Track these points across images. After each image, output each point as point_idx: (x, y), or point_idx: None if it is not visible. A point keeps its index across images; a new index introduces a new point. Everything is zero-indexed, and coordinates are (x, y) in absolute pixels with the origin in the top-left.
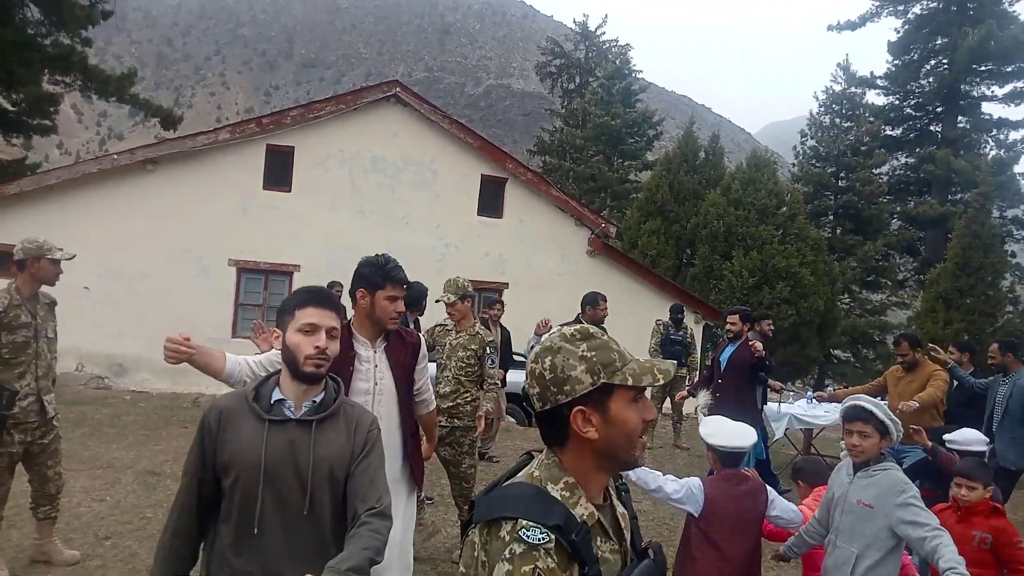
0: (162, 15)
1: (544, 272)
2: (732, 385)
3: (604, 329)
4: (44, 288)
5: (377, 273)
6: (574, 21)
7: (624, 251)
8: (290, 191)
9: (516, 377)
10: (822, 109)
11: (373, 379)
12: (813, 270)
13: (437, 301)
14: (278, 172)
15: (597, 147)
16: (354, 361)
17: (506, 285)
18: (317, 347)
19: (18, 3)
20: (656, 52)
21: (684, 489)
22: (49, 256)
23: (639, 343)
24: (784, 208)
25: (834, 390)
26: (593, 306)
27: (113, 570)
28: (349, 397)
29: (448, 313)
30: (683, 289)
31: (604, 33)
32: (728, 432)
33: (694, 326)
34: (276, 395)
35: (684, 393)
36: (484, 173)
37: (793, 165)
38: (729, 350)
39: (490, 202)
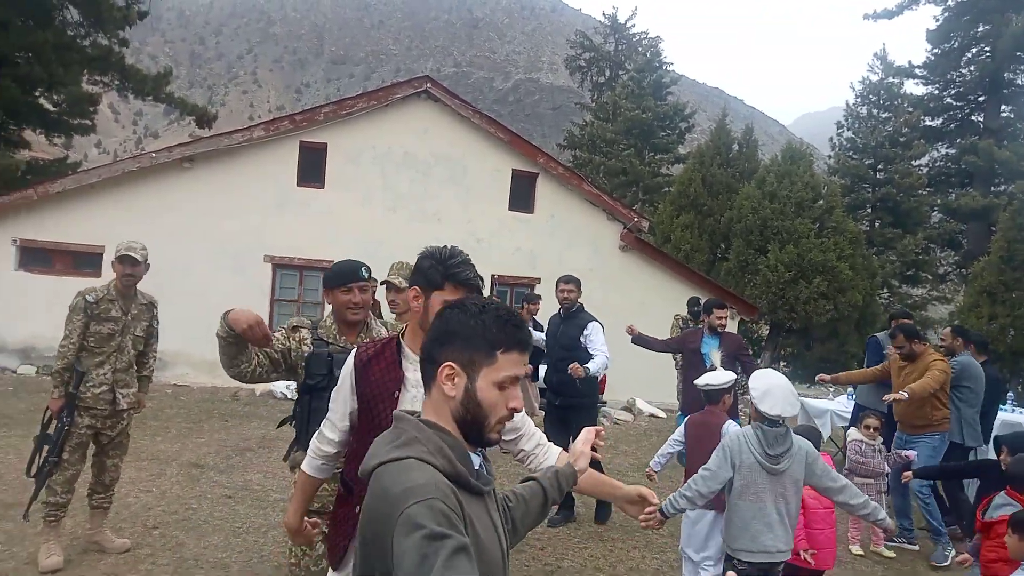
0: (195, 14)
1: (576, 267)
2: None
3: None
4: (144, 289)
5: (436, 269)
6: (603, 14)
7: (657, 246)
8: (323, 187)
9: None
10: (859, 100)
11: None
12: (851, 264)
13: (382, 283)
14: (311, 168)
15: (628, 141)
16: (401, 385)
17: (538, 280)
18: (513, 408)
19: (58, 5)
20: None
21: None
22: (117, 255)
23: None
24: (821, 201)
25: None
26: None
27: (162, 558)
28: None
29: (389, 302)
30: (717, 284)
31: (634, 25)
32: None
33: (730, 321)
34: (475, 460)
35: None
36: (515, 168)
37: (829, 157)
38: (712, 343)
39: (521, 197)
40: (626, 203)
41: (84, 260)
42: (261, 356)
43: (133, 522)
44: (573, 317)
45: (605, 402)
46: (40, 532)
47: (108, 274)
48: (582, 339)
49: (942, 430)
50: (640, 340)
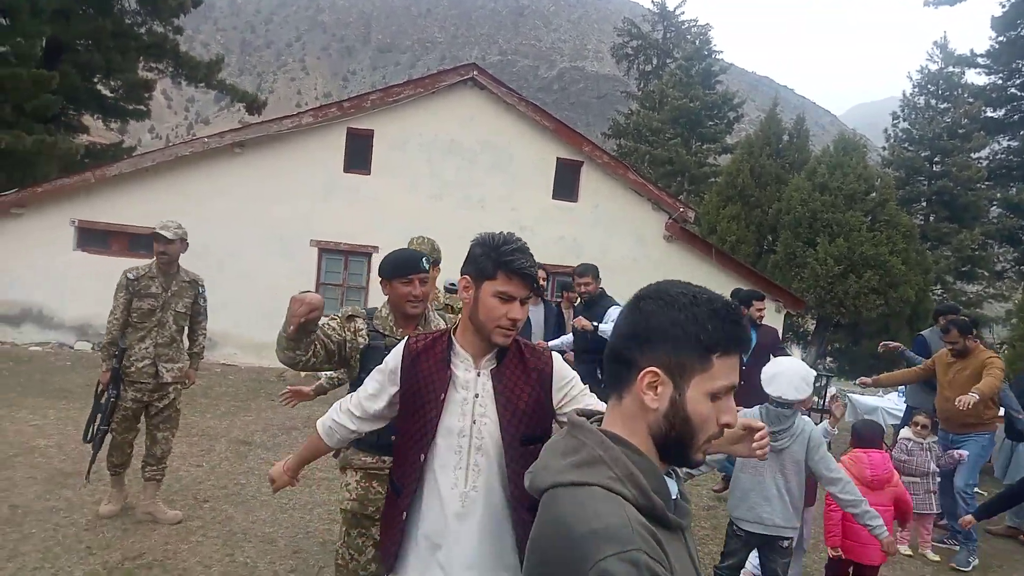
0: (246, 2)
1: (619, 257)
2: (753, 371)
3: None
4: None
5: (488, 256)
6: (652, 1)
7: (702, 236)
8: (369, 174)
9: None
10: (916, 89)
11: (471, 415)
12: (904, 259)
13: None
14: (358, 155)
15: (675, 130)
16: (449, 386)
17: None
18: (726, 424)
19: None
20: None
21: None
22: (153, 234)
23: None
24: (874, 194)
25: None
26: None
27: (212, 531)
28: (436, 438)
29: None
30: (764, 276)
31: (683, 13)
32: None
33: (775, 314)
34: (672, 486)
35: None
36: (560, 156)
37: (883, 148)
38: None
39: (565, 185)
40: (672, 193)
41: (138, 242)
42: (318, 346)
43: (184, 495)
44: (593, 306)
45: None
46: (98, 502)
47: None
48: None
49: (991, 429)
50: None
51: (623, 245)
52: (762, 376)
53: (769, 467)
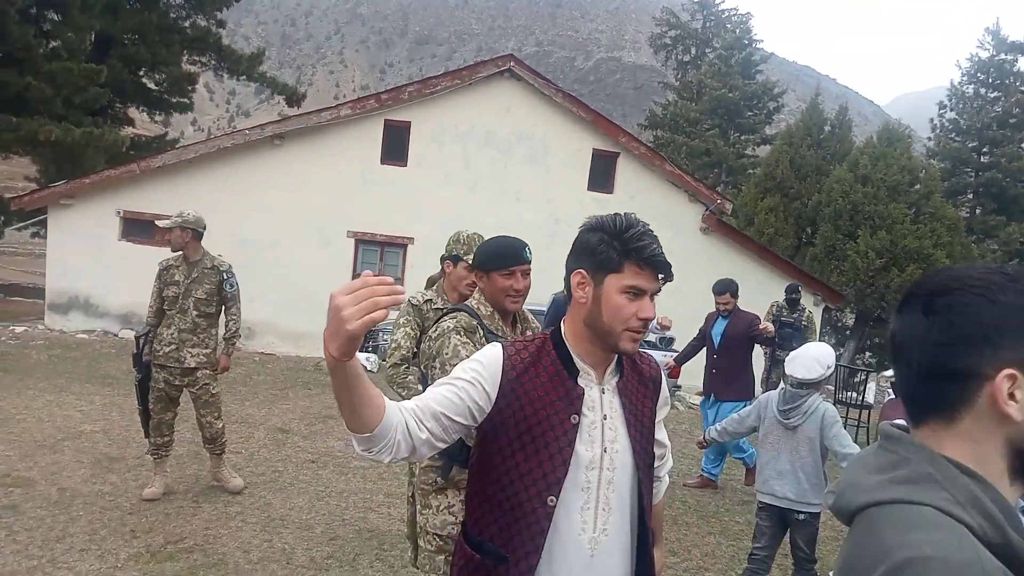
0: None
1: None
2: (727, 359)
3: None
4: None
5: (610, 245)
6: None
7: (740, 229)
8: (406, 165)
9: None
10: (965, 78)
11: (600, 442)
12: (949, 252)
13: (443, 259)
14: (395, 147)
15: (713, 121)
16: (580, 408)
17: None
18: None
19: None
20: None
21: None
22: (170, 226)
23: None
24: (918, 185)
25: None
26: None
27: (251, 516)
28: (568, 472)
29: (469, 284)
30: (802, 269)
31: (723, 2)
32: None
33: (813, 308)
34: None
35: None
36: (596, 147)
37: (928, 139)
38: (722, 324)
39: (601, 177)
40: (709, 184)
41: None
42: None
43: (221, 483)
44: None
45: (680, 386)
46: (141, 486)
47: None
48: None
49: None
50: (685, 359)
51: (659, 237)
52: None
53: (785, 444)
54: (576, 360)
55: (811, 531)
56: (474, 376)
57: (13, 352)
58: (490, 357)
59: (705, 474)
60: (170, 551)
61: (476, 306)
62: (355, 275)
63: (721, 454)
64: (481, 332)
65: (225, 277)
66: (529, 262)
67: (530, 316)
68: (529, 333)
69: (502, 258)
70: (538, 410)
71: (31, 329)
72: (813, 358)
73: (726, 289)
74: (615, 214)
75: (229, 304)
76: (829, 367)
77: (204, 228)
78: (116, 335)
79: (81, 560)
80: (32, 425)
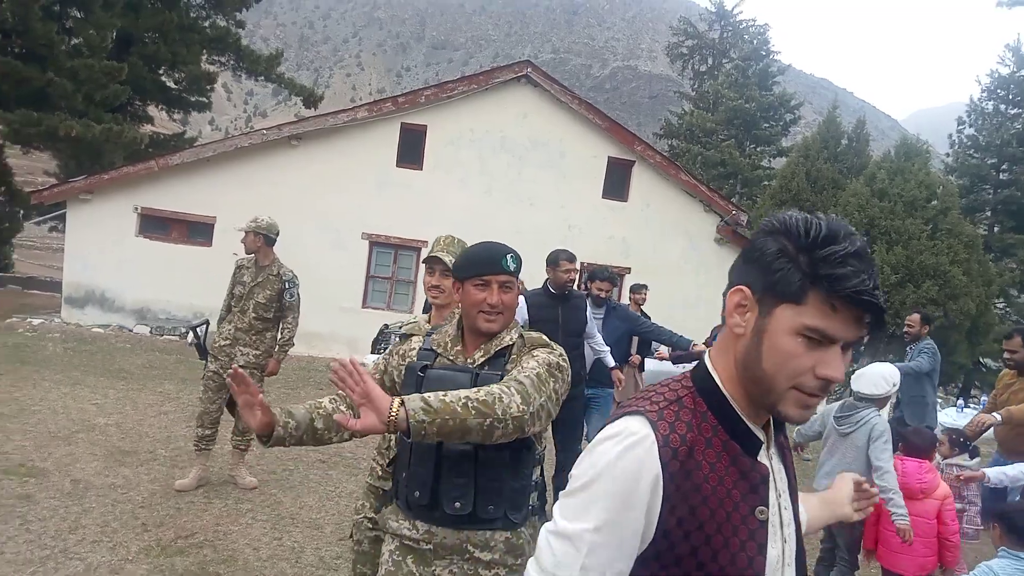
0: None
1: (669, 258)
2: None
3: (571, 292)
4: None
5: (796, 261)
6: (710, 0)
7: None
8: (421, 169)
9: (654, 366)
10: (985, 94)
11: (781, 531)
12: (965, 269)
13: (425, 261)
14: (410, 150)
15: (729, 131)
16: (767, 496)
17: (628, 270)
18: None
19: None
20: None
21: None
22: (244, 230)
23: None
24: (935, 201)
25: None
26: (554, 267)
27: (261, 514)
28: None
29: (430, 287)
30: None
31: (741, 12)
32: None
33: None
34: None
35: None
36: (611, 155)
37: (946, 155)
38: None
39: (616, 185)
40: (724, 195)
41: (197, 229)
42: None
43: (234, 478)
44: (569, 298)
45: None
46: (153, 480)
47: (219, 243)
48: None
49: None
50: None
51: (673, 247)
52: (852, 376)
53: (839, 449)
54: (744, 420)
55: (851, 535)
56: (605, 494)
57: (30, 344)
58: (635, 460)
59: None
60: (180, 546)
61: (446, 327)
62: (368, 277)
63: None
64: (416, 343)
65: (287, 286)
66: (511, 273)
67: (538, 344)
68: (530, 365)
69: (475, 265)
70: (715, 511)
71: (48, 322)
72: (880, 375)
73: None
74: (810, 216)
75: (287, 313)
76: (894, 384)
77: (276, 234)
78: (131, 330)
79: (93, 551)
80: (47, 416)
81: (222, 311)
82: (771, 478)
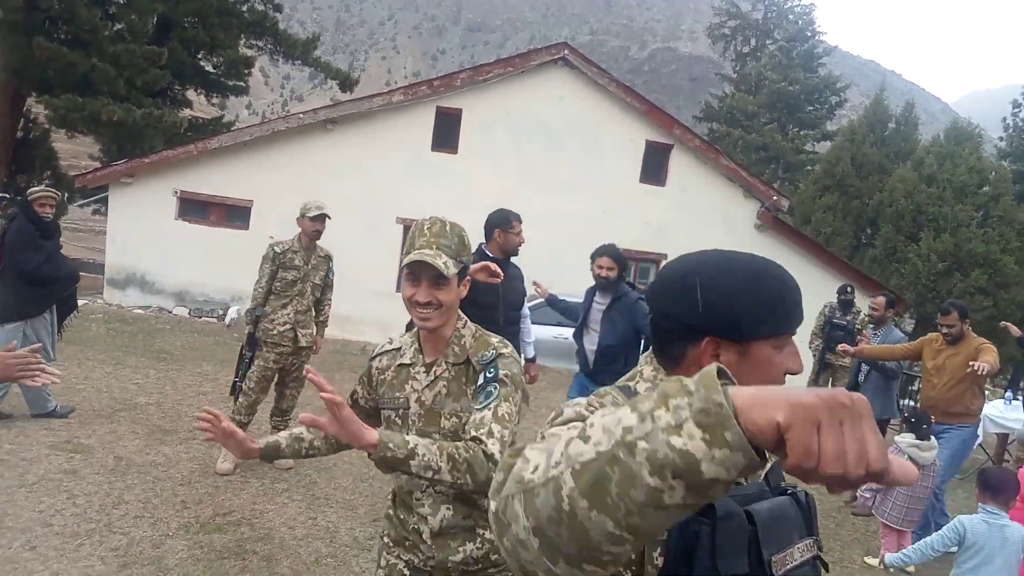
0: None
1: (707, 245)
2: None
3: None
4: (322, 243)
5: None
6: None
7: (796, 227)
8: (456, 153)
9: None
10: None
11: None
12: (1018, 258)
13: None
14: (446, 134)
15: (771, 114)
16: None
17: (664, 256)
18: None
19: None
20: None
21: None
22: (308, 215)
23: (807, 327)
24: (987, 187)
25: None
26: (504, 228)
27: (296, 494)
28: None
29: (416, 305)
30: (860, 271)
31: None
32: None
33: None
34: None
35: None
36: (649, 139)
37: (1000, 139)
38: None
39: (653, 169)
40: (765, 180)
41: (235, 213)
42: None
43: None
44: (509, 267)
45: None
46: (192, 459)
47: (256, 226)
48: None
49: (975, 421)
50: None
51: (711, 233)
52: None
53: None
54: None
55: None
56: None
57: (74, 324)
58: None
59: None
60: (218, 523)
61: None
62: (401, 261)
63: None
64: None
65: (330, 265)
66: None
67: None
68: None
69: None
70: None
71: (91, 303)
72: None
73: None
74: None
75: (329, 291)
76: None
77: None
78: (171, 312)
79: (135, 526)
80: (91, 395)
81: (260, 296)
82: None
